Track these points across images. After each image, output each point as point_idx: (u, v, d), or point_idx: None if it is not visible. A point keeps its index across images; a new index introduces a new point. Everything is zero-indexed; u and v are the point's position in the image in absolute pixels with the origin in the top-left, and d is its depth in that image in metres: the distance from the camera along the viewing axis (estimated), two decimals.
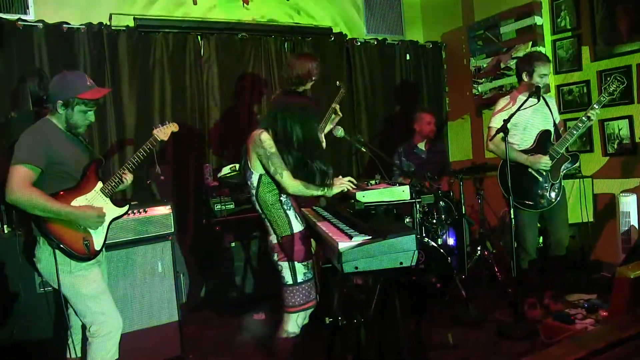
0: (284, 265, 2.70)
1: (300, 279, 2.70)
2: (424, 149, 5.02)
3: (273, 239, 2.72)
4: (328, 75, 5.55)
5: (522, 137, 3.88)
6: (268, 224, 2.73)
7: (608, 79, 3.71)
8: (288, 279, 2.70)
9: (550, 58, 5.05)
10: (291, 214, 2.74)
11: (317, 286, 2.92)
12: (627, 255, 4.05)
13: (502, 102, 3.97)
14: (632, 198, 4.44)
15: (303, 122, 2.70)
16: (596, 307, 3.75)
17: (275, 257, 2.72)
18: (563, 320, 3.59)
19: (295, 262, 2.68)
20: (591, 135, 4.81)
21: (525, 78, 3.85)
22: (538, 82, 3.76)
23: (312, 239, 2.92)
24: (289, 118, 2.69)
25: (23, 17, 4.31)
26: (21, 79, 3.86)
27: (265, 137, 2.64)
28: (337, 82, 4.42)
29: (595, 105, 3.64)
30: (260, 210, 2.74)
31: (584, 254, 4.85)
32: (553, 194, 3.80)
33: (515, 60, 5.22)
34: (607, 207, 4.76)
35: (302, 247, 2.70)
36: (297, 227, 2.73)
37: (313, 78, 3.90)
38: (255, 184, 2.69)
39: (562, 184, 3.87)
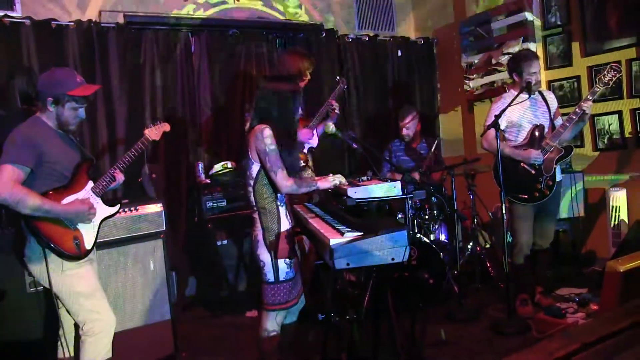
0: (267, 262, 2.69)
1: (282, 277, 2.68)
2: (413, 145, 5.01)
3: (259, 233, 2.71)
4: (319, 71, 5.55)
5: (519, 134, 3.88)
6: (257, 217, 2.72)
7: (603, 69, 3.69)
8: (270, 276, 2.69)
9: (541, 53, 5.08)
10: (282, 210, 2.73)
11: (302, 285, 2.92)
12: (617, 249, 4.08)
13: (497, 100, 3.97)
14: (622, 193, 4.48)
15: (279, 104, 2.71)
16: (587, 301, 3.78)
17: (258, 252, 2.71)
18: (554, 315, 3.61)
19: (279, 260, 2.67)
20: (582, 130, 4.83)
21: (515, 78, 3.86)
22: (529, 81, 3.76)
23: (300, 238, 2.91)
24: (268, 101, 2.71)
25: (9, 13, 4.26)
26: (9, 77, 3.82)
27: (267, 134, 2.63)
28: (337, 77, 4.41)
29: (589, 96, 3.61)
30: (253, 202, 2.73)
31: (575, 248, 4.88)
32: (547, 187, 3.80)
33: (506, 56, 5.25)
34: (597, 202, 4.79)
35: (287, 245, 2.69)
36: (285, 224, 2.72)
37: (305, 76, 3.89)
38: (254, 174, 2.69)
39: (558, 178, 3.86)
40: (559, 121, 3.87)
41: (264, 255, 2.69)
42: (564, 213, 4.60)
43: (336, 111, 4.13)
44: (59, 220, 2.54)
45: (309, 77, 3.94)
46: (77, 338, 2.69)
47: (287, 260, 2.70)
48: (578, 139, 4.87)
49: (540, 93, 3.92)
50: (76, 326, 2.69)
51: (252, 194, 2.72)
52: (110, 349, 2.69)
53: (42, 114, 2.61)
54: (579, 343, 1.26)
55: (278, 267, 2.68)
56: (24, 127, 2.56)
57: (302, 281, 2.90)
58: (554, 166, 3.79)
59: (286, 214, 2.76)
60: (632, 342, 1.32)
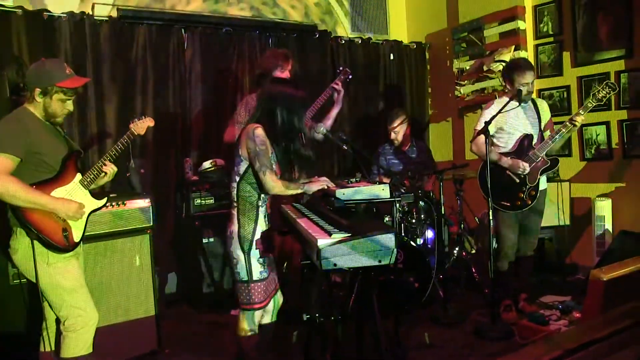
0: (239, 259, 2.69)
1: (256, 276, 2.69)
2: (404, 149, 5.03)
3: (235, 229, 2.71)
4: (311, 72, 5.57)
5: (508, 140, 3.91)
6: (235, 214, 2.73)
7: (594, 86, 3.73)
8: (243, 275, 2.69)
9: (533, 62, 5.12)
10: (262, 211, 2.74)
11: (278, 285, 2.93)
12: (601, 258, 4.12)
13: (487, 105, 3.99)
14: (607, 202, 4.53)
15: (288, 108, 2.71)
16: (570, 309, 3.82)
17: (232, 248, 2.71)
18: (538, 322, 3.64)
19: (252, 258, 2.68)
20: (570, 140, 4.88)
21: (507, 86, 3.89)
22: (521, 90, 3.78)
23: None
24: (275, 104, 2.71)
25: (0, 1, 4.21)
26: None
27: (259, 133, 2.64)
28: (340, 67, 4.43)
29: (580, 111, 3.66)
30: (235, 198, 2.73)
31: (560, 256, 4.92)
32: (530, 197, 3.84)
33: (497, 63, 5.29)
34: (583, 211, 4.84)
35: (261, 245, 2.71)
36: (262, 226, 2.73)
37: (284, 68, 3.90)
38: (242, 171, 2.69)
39: (542, 187, 3.90)
40: (547, 132, 3.91)
41: (238, 252, 2.69)
42: (549, 221, 4.64)
43: (340, 93, 4.17)
44: (48, 212, 2.52)
45: (288, 73, 3.95)
46: (59, 332, 2.67)
47: (261, 259, 2.70)
48: (566, 148, 4.92)
49: (534, 102, 3.95)
50: (58, 320, 2.67)
51: (235, 190, 2.73)
52: (91, 344, 2.67)
53: (29, 104, 2.59)
54: (561, 349, 1.27)
55: (252, 267, 2.68)
56: (12, 117, 2.54)
57: (276, 281, 2.90)
58: (539, 177, 3.83)
59: (265, 216, 2.77)
60: (613, 349, 1.33)
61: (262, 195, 2.73)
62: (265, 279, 2.73)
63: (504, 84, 3.99)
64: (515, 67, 3.84)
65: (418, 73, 6.40)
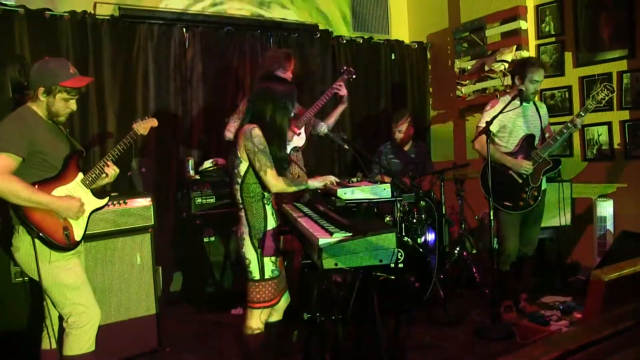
0: (252, 260, 2.69)
1: (267, 275, 2.70)
2: (404, 148, 5.03)
3: (245, 231, 2.71)
4: (312, 71, 5.57)
5: (509, 139, 3.91)
6: (243, 215, 2.73)
7: (596, 85, 3.75)
8: (255, 274, 2.70)
9: None
10: (269, 209, 2.75)
11: (287, 284, 2.93)
12: (602, 258, 4.12)
13: (492, 103, 3.99)
14: (609, 203, 4.52)
15: (274, 104, 2.72)
16: (571, 310, 3.81)
17: (244, 249, 2.72)
18: (538, 322, 3.64)
19: (265, 258, 2.68)
20: (571, 140, 4.88)
21: (517, 82, 3.88)
22: (529, 88, 3.79)
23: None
24: (262, 100, 2.72)
25: (3, 1, 4.22)
26: (1, 65, 3.78)
27: (256, 133, 2.65)
28: (344, 67, 4.44)
29: (581, 112, 3.68)
30: (240, 200, 2.73)
31: (561, 257, 4.92)
32: (532, 197, 3.84)
33: (499, 63, 5.28)
34: (584, 211, 4.83)
35: (273, 243, 2.71)
36: (271, 223, 2.74)
37: (285, 70, 3.90)
38: (242, 172, 2.70)
39: (543, 187, 3.90)
40: (546, 135, 3.92)
41: (250, 254, 2.70)
42: (550, 221, 4.64)
43: (343, 94, 4.17)
44: (49, 211, 2.52)
45: (290, 74, 3.95)
46: (62, 330, 2.67)
47: (273, 258, 2.71)
48: (567, 148, 4.92)
49: (535, 104, 3.96)
50: (61, 318, 2.67)
51: (238, 192, 2.73)
52: (94, 342, 2.68)
53: (32, 103, 2.59)
54: (562, 350, 1.27)
55: (264, 265, 2.69)
56: (15, 116, 2.53)
57: (286, 279, 2.91)
58: (541, 177, 3.83)
59: (272, 213, 2.77)
60: (614, 350, 1.33)
61: (266, 193, 2.74)
62: (277, 277, 2.74)
63: (511, 80, 3.98)
64: (529, 64, 3.85)
65: (419, 73, 6.40)
